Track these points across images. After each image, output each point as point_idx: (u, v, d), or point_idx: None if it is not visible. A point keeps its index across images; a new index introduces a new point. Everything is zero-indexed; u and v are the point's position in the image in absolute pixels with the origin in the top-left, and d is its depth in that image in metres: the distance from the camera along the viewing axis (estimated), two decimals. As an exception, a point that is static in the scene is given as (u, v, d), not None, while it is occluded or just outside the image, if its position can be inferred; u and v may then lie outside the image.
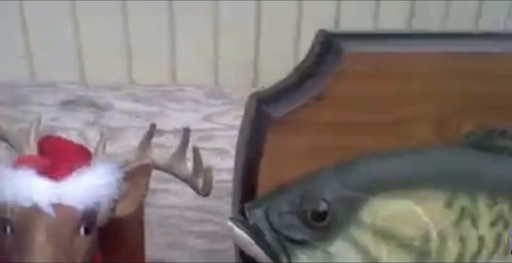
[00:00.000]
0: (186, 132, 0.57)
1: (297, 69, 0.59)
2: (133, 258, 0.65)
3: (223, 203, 0.77)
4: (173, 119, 0.88)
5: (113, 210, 0.55)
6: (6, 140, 0.57)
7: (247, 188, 0.58)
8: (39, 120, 0.57)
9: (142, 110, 0.90)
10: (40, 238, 0.49)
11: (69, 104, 0.91)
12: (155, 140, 0.73)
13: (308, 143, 0.56)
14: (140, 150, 0.57)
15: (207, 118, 0.90)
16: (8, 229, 0.51)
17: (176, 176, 0.58)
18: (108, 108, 0.89)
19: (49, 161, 0.54)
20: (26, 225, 0.50)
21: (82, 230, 0.52)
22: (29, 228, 0.50)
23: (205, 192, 0.57)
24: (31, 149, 0.55)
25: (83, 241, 0.52)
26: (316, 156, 0.55)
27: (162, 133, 0.81)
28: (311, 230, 0.50)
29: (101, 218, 0.54)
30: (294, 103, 0.56)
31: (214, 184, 0.77)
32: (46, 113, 0.82)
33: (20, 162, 0.53)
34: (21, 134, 0.57)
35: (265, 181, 0.57)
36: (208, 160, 0.57)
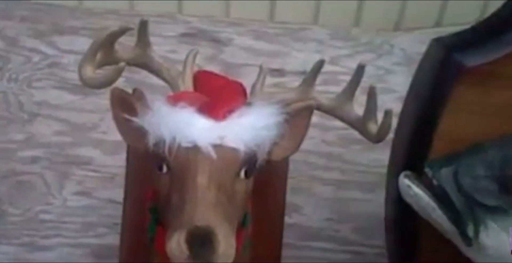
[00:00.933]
0: (360, 69, 0.51)
1: (495, 17, 0.54)
2: (277, 195, 0.63)
3: (350, 151, 0.75)
4: (295, 59, 0.86)
5: (269, 153, 0.52)
6: (160, 76, 0.54)
7: (419, 139, 0.54)
8: (195, 55, 0.54)
9: (262, 48, 0.87)
10: (203, 181, 0.47)
11: (188, 37, 0.89)
12: (276, 80, 0.70)
13: (503, 99, 0.52)
14: (303, 89, 0.54)
15: (333, 61, 0.87)
16: (164, 168, 0.48)
17: (341, 119, 0.54)
18: (228, 44, 0.87)
19: (208, 99, 0.50)
20: (185, 166, 0.47)
21: (242, 173, 0.49)
22: (189, 170, 0.47)
23: (379, 137, 0.52)
24: (187, 85, 0.53)
25: (242, 184, 0.49)
26: (508, 116, 0.51)
27: (283, 73, 0.79)
28: (509, 197, 0.47)
29: (259, 162, 0.51)
30: (492, 53, 0.51)
31: (341, 131, 0.78)
32: (163, 45, 0.79)
33: (178, 98, 0.50)
34: (175, 70, 0.54)
35: (444, 134, 0.52)
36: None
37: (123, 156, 0.63)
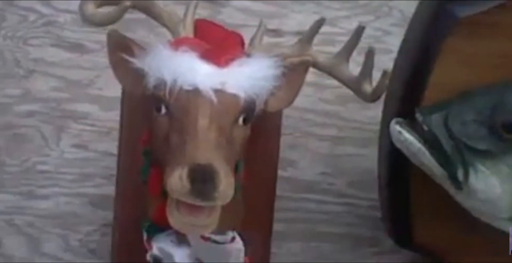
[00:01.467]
0: (360, 30, 0.54)
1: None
2: (271, 147, 0.63)
3: (345, 108, 0.76)
4: (292, 20, 0.85)
5: (265, 103, 0.54)
6: (161, 21, 0.55)
7: (412, 89, 0.54)
8: (196, 4, 0.54)
9: (260, 10, 0.87)
10: (203, 123, 0.48)
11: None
12: (273, 40, 0.71)
13: (495, 49, 0.52)
14: (300, 46, 0.56)
15: (330, 22, 0.87)
16: (163, 109, 0.50)
17: (337, 78, 0.56)
18: (225, 5, 0.86)
19: (209, 46, 0.51)
20: (186, 109, 0.49)
21: (241, 120, 0.51)
22: (190, 112, 0.48)
23: (374, 97, 0.54)
24: (188, 31, 0.53)
25: (241, 131, 0.51)
26: (502, 66, 0.51)
27: (281, 33, 0.79)
28: (498, 141, 0.48)
29: (256, 110, 0.53)
30: (484, 3, 0.51)
31: (338, 90, 0.78)
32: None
33: (179, 43, 0.51)
34: (176, 16, 0.55)
35: (435, 84, 0.53)
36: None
37: (119, 111, 0.64)
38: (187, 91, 0.48)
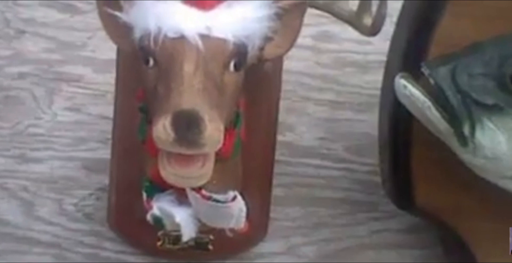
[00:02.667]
0: None
1: None
2: (270, 109, 0.63)
3: (342, 73, 0.74)
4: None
5: (261, 50, 0.52)
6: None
7: (416, 44, 0.53)
8: None
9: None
10: (188, 69, 0.46)
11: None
12: None
13: (503, 3, 0.51)
14: None
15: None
16: (151, 61, 0.48)
17: (335, 14, 0.53)
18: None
19: None
20: (172, 56, 0.47)
21: (232, 66, 0.48)
22: (175, 59, 0.47)
23: (374, 29, 0.51)
24: None
25: (232, 78, 0.49)
26: (508, 19, 0.50)
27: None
28: (506, 95, 0.47)
29: (250, 56, 0.50)
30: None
31: (335, 54, 0.77)
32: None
33: None
34: None
35: (440, 39, 0.52)
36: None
37: (114, 74, 0.63)
38: (173, 39, 0.47)
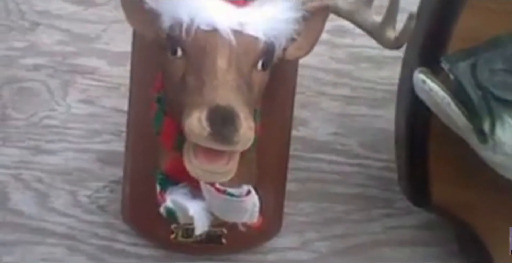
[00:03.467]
0: None
1: None
2: (285, 106, 0.63)
3: (357, 68, 0.73)
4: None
5: (284, 50, 0.52)
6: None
7: (435, 38, 0.53)
8: None
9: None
10: (222, 64, 0.46)
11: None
12: None
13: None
14: None
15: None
16: (179, 51, 0.47)
17: (358, 24, 0.53)
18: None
19: None
20: (204, 49, 0.47)
21: (260, 64, 0.48)
22: (208, 53, 0.46)
23: (398, 43, 0.51)
24: None
25: (259, 76, 0.49)
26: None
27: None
28: (527, 92, 0.48)
29: (275, 56, 0.51)
30: None
31: (350, 49, 0.77)
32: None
33: None
34: None
35: (460, 33, 0.51)
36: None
37: (128, 66, 0.62)
38: (205, 31, 0.46)
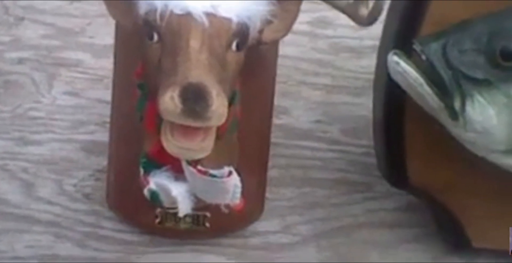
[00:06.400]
0: None
1: None
2: (264, 92, 0.63)
3: (338, 58, 0.75)
4: None
5: (261, 32, 0.53)
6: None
7: (409, 23, 0.54)
8: None
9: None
10: (194, 45, 0.47)
11: None
12: None
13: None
14: None
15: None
16: (155, 36, 0.49)
17: (332, 4, 0.54)
18: None
19: None
20: (178, 33, 0.48)
21: (234, 45, 0.50)
22: (181, 35, 0.48)
23: (370, 19, 0.52)
24: None
25: (234, 57, 0.50)
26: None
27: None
28: (496, 70, 0.48)
29: (250, 38, 0.52)
30: None
31: (331, 39, 0.78)
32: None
33: None
34: None
35: (432, 18, 0.53)
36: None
37: (111, 59, 0.63)
38: (178, 15, 0.48)
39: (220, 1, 0.49)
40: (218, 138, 0.51)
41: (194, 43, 0.47)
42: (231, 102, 0.52)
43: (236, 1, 0.49)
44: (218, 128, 0.50)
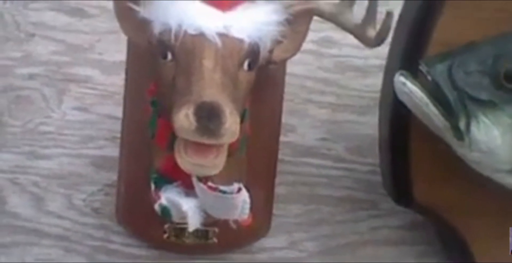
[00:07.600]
0: None
1: None
2: (272, 110, 0.65)
3: (343, 77, 0.76)
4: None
5: (271, 52, 0.55)
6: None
7: (415, 44, 0.55)
8: None
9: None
10: (209, 65, 0.49)
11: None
12: None
13: (498, 4, 0.53)
14: None
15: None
16: (169, 55, 0.51)
17: (341, 25, 0.56)
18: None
19: None
20: (191, 52, 0.50)
21: (246, 64, 0.51)
22: (195, 55, 0.49)
23: (377, 40, 0.54)
24: None
25: (245, 76, 0.52)
26: (506, 20, 0.52)
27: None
28: (500, 91, 0.50)
29: (261, 57, 0.54)
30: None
31: (336, 58, 0.79)
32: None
33: None
34: None
35: (440, 38, 0.54)
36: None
37: (122, 76, 0.65)
38: (192, 35, 0.49)
39: (233, 22, 0.51)
40: (229, 155, 0.52)
41: (208, 63, 0.49)
42: (241, 120, 0.54)
43: (248, 22, 0.51)
44: (230, 146, 0.51)
